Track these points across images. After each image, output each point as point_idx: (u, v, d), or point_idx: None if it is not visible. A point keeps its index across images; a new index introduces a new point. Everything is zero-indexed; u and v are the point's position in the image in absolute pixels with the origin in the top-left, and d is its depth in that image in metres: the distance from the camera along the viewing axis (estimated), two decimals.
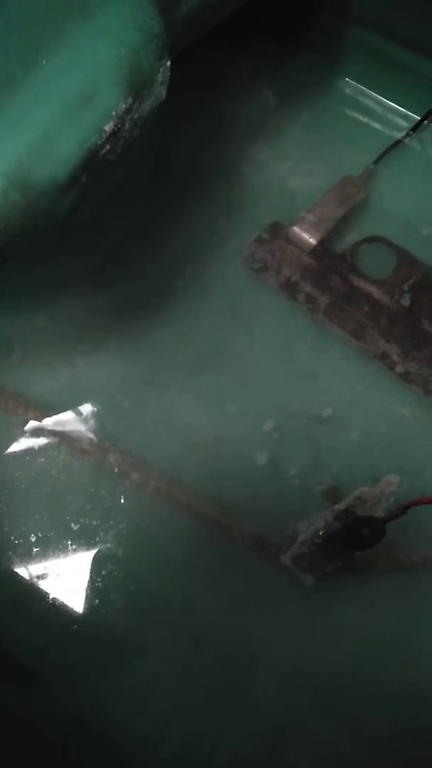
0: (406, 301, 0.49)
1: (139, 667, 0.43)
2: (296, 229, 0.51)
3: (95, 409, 0.48)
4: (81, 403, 0.48)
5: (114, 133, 0.32)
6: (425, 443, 0.47)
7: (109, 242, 0.52)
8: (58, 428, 0.47)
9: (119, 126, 0.32)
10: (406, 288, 0.50)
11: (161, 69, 0.35)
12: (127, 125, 0.33)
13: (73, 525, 0.44)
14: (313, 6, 0.53)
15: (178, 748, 0.41)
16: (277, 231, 0.52)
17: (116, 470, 0.45)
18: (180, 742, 0.41)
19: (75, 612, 0.43)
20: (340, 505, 0.43)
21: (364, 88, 0.56)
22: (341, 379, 0.48)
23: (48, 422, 0.47)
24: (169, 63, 0.36)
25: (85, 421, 0.47)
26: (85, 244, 0.49)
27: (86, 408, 0.48)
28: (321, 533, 0.42)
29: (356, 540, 0.42)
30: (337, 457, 0.46)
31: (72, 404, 0.48)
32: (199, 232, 0.54)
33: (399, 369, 0.48)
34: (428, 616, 0.44)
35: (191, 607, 0.44)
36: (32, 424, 0.47)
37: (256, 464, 0.45)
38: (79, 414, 0.48)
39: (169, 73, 0.36)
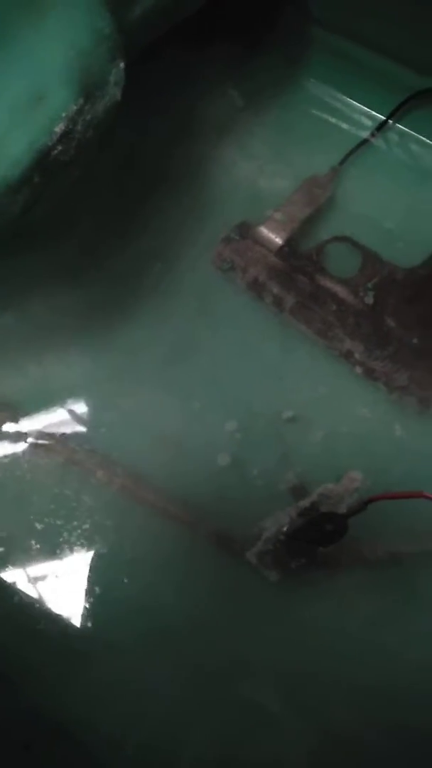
0: (369, 299, 0.49)
1: (105, 666, 0.43)
2: (263, 229, 0.52)
3: (62, 407, 0.48)
4: (49, 402, 0.49)
5: (65, 134, 0.33)
6: (389, 440, 0.47)
7: (78, 241, 0.53)
8: (24, 428, 0.47)
9: (71, 127, 0.33)
10: (370, 286, 0.50)
11: (114, 70, 0.35)
12: (79, 126, 0.33)
13: (37, 525, 0.44)
14: (274, 6, 0.53)
15: (143, 748, 0.41)
16: (245, 231, 0.52)
17: (82, 469, 0.45)
18: (145, 741, 0.42)
19: (41, 611, 0.43)
20: (304, 502, 0.43)
21: (330, 88, 0.56)
22: (306, 378, 0.49)
23: (15, 422, 0.47)
24: (123, 64, 0.36)
25: (51, 420, 0.48)
26: (54, 242, 0.49)
27: (54, 407, 0.48)
28: (284, 530, 0.43)
29: (319, 536, 0.42)
30: (302, 456, 0.46)
31: (40, 403, 0.48)
32: (168, 232, 0.54)
33: (364, 367, 0.48)
34: (395, 611, 0.45)
35: (158, 605, 0.44)
36: None
37: (219, 464, 0.46)
38: (47, 413, 0.48)
39: (123, 75, 0.37)
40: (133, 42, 0.39)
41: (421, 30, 0.47)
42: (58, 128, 0.32)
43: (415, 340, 0.49)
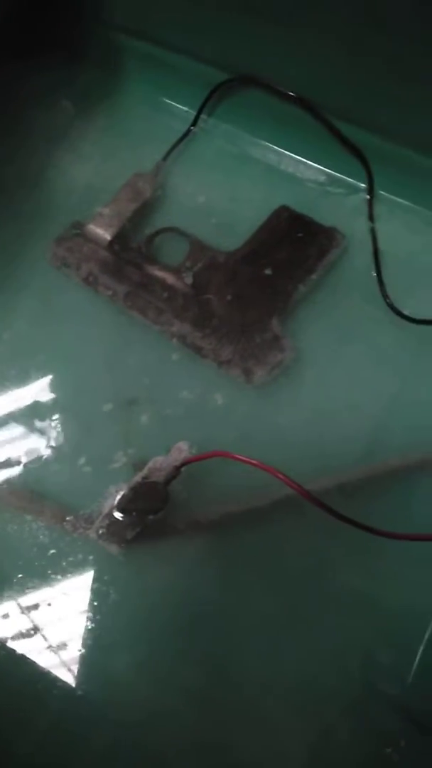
0: (189, 279, 0.53)
1: None
2: (91, 226, 0.55)
3: None
4: None
5: None
6: (216, 411, 0.50)
7: None
8: None
9: None
10: (189, 265, 0.53)
11: None
12: None
13: None
14: (78, 17, 0.56)
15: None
16: (77, 229, 0.55)
17: None
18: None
19: None
20: (137, 477, 0.46)
21: (148, 89, 0.59)
22: (138, 365, 0.52)
23: None
24: None
25: None
26: None
27: None
28: (116, 504, 0.46)
29: (146, 506, 0.45)
30: (134, 439, 0.49)
31: None
32: (7, 238, 0.57)
33: (194, 347, 0.51)
34: (234, 571, 0.47)
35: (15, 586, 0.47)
36: None
37: (45, 458, 0.49)
38: None
39: None
40: None
41: (206, 31, 0.50)
42: None
43: (235, 317, 0.52)
